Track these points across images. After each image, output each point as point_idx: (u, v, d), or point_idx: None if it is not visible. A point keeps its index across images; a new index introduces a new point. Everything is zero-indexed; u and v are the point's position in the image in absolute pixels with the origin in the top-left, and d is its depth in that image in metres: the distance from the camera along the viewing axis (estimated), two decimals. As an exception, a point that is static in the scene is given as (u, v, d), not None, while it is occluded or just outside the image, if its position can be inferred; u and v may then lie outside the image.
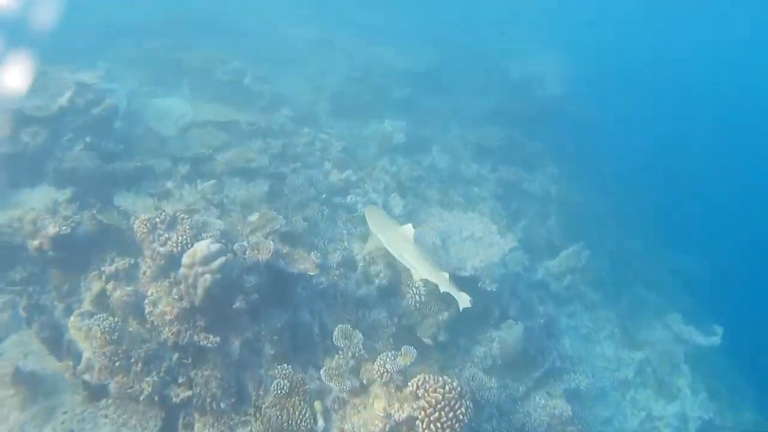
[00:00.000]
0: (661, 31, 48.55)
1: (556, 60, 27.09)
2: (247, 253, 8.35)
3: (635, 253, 20.38)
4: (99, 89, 12.66)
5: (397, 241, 9.64)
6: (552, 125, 23.15)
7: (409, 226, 9.69)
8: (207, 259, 7.28)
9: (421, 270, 9.30)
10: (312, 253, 10.52)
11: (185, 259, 7.38)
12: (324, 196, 13.61)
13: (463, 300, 9.15)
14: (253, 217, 11.27)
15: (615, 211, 22.34)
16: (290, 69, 22.36)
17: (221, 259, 7.39)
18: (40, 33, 20.00)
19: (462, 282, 11.04)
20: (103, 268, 8.63)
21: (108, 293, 8.41)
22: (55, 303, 9.07)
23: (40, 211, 9.34)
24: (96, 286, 8.67)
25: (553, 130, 22.96)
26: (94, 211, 8.95)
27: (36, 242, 8.66)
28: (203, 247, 7.28)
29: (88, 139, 11.96)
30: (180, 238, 8.12)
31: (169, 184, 12.37)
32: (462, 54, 27.25)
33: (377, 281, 10.96)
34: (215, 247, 7.37)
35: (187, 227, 8.17)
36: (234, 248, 8.44)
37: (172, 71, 18.42)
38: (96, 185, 11.43)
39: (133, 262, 8.78)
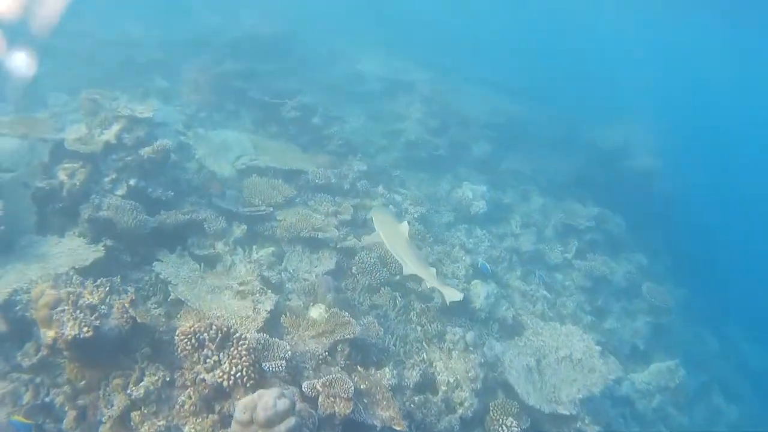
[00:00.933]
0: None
1: (647, 127, 24.59)
2: (320, 401, 6.12)
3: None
4: (151, 122, 10.67)
5: (393, 237, 9.72)
6: (641, 203, 20.71)
7: (405, 223, 9.82)
8: (271, 421, 5.07)
9: (410, 265, 9.43)
10: (388, 372, 8.35)
11: (241, 414, 5.24)
12: (397, 278, 11.37)
13: (450, 295, 9.49)
14: (318, 312, 9.14)
15: (714, 314, 19.72)
16: (361, 107, 20.52)
17: (289, 422, 5.20)
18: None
19: (557, 421, 9.54)
20: (129, 390, 6.48)
21: (133, 425, 6.24)
22: (65, 407, 6.97)
23: (57, 286, 7.22)
24: (118, 403, 6.55)
25: (642, 208, 20.54)
26: (127, 304, 6.81)
27: (51, 333, 6.59)
28: (267, 403, 5.13)
29: (132, 182, 10.04)
30: (234, 368, 5.94)
31: (220, 246, 10.32)
32: (545, 108, 25.06)
33: (460, 411, 8.85)
34: (283, 404, 5.19)
35: (244, 351, 5.98)
36: (303, 388, 6.25)
37: (235, 99, 16.55)
38: (135, 241, 9.43)
39: (168, 378, 6.61)
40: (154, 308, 8.69)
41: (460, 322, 11.34)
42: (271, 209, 11.47)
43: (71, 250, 9.06)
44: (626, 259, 17.94)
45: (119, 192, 9.92)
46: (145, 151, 10.06)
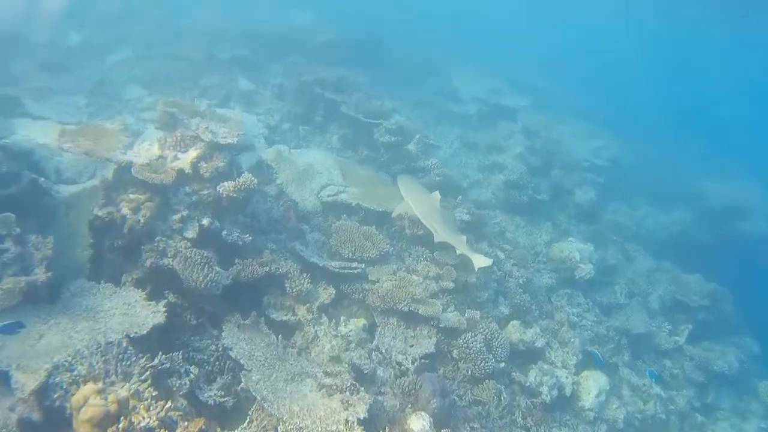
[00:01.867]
0: None
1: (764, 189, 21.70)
2: None
3: None
4: (234, 148, 8.78)
5: (424, 205, 9.91)
6: (755, 275, 17.95)
7: (436, 193, 10.04)
8: None
9: (441, 232, 9.55)
10: None
11: None
12: (502, 365, 9.30)
13: (479, 261, 9.61)
14: (420, 425, 7.10)
15: None
16: (456, 131, 18.45)
17: None
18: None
19: None
20: None
21: None
22: None
23: (97, 377, 5.38)
24: None
25: (755, 281, 17.80)
26: (179, 416, 4.90)
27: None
28: None
29: (205, 222, 8.18)
30: None
31: (302, 312, 8.42)
32: (647, 147, 22.47)
33: None
34: None
35: None
36: None
37: (324, 111, 14.61)
38: (203, 299, 7.57)
39: None
40: (221, 397, 6.79)
41: (565, 420, 10.04)
42: (363, 266, 9.42)
43: (127, 306, 7.25)
44: (735, 344, 15.38)
45: (189, 233, 8.07)
46: (225, 189, 8.17)
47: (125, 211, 7.83)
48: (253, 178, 8.38)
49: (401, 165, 13.68)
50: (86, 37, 15.76)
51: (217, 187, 8.21)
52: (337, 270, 9.25)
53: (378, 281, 9.49)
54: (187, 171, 8.25)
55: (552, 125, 19.60)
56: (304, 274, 8.72)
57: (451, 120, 19.15)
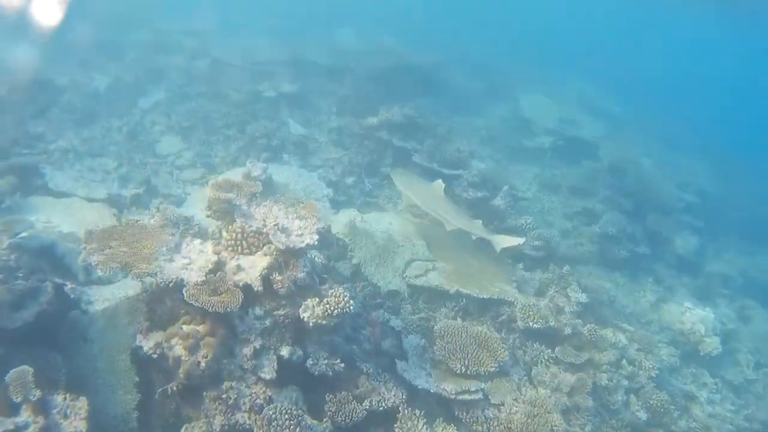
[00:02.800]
0: None
1: None
2: None
3: None
4: (314, 246, 6.58)
5: (428, 196, 9.64)
6: None
7: (439, 181, 9.71)
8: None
9: (453, 221, 9.32)
10: None
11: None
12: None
13: (498, 242, 9.40)
14: None
15: None
16: (532, 169, 16.24)
17: None
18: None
19: None
20: None
21: None
22: None
23: None
24: None
25: None
26: None
27: None
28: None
29: (285, 353, 6.07)
30: None
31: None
32: (739, 179, 19.90)
33: None
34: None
35: None
36: None
37: (392, 160, 12.50)
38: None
39: None
40: None
41: None
42: (483, 387, 7.15)
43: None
44: None
45: (266, 372, 5.92)
46: (312, 316, 5.96)
47: (179, 350, 5.68)
48: (348, 299, 6.14)
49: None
50: (115, 77, 13.72)
51: (301, 314, 5.98)
52: (453, 396, 6.99)
53: (502, 406, 7.21)
54: (256, 288, 6.04)
55: (636, 159, 17.20)
56: (416, 412, 6.46)
57: (525, 156, 16.90)
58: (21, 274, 6.83)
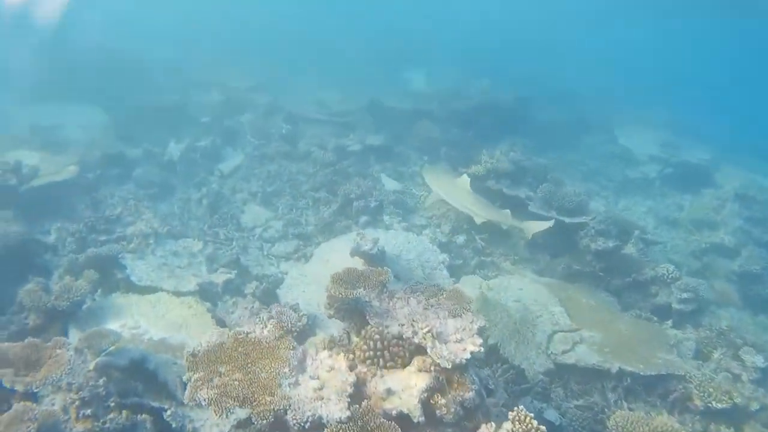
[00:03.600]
0: None
1: None
2: None
3: None
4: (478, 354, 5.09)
5: (455, 192, 9.75)
6: None
7: (464, 176, 9.74)
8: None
9: (481, 213, 9.41)
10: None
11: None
12: None
13: (535, 227, 9.37)
14: None
15: None
16: (645, 203, 14.60)
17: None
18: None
19: None
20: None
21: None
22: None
23: None
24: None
25: None
26: None
27: None
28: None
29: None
30: None
31: None
32: None
33: None
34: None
35: None
36: None
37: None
38: None
39: None
40: None
41: None
42: None
43: None
44: None
45: None
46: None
47: None
48: (536, 426, 4.53)
49: (624, 279, 9.75)
50: (188, 143, 12.71)
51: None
52: None
53: None
54: (416, 418, 4.52)
55: (764, 184, 15.19)
56: None
57: (632, 188, 15.15)
58: (113, 403, 5.55)
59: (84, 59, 19.28)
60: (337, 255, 8.89)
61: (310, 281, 8.53)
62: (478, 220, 9.44)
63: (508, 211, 9.43)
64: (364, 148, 12.56)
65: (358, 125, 14.18)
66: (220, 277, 8.53)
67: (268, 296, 8.42)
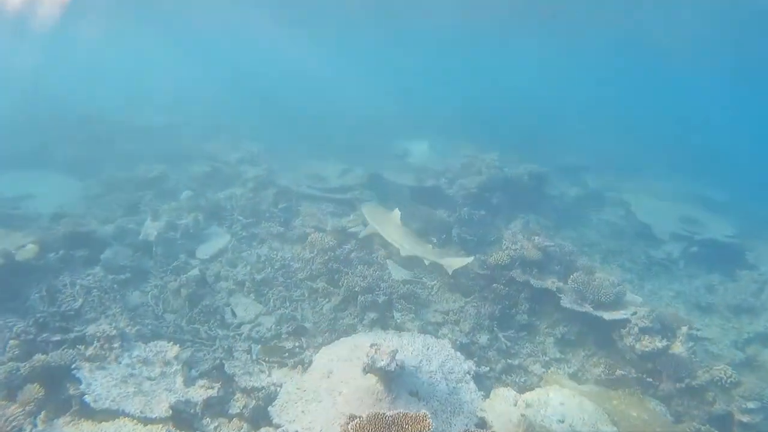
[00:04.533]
0: None
1: None
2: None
3: None
4: None
5: (386, 225, 10.49)
6: None
7: (396, 211, 10.48)
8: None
9: (407, 246, 9.95)
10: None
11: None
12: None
13: (453, 264, 9.70)
14: None
15: None
16: (671, 287, 13.52)
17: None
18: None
19: None
20: None
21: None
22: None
23: None
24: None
25: None
26: None
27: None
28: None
29: None
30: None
31: None
32: None
33: None
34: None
35: None
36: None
37: (528, 305, 9.46)
38: None
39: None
40: None
41: None
42: None
43: None
44: None
45: None
46: None
47: None
48: None
49: (675, 384, 8.31)
50: (168, 221, 11.21)
51: None
52: None
53: None
54: None
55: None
56: None
57: (657, 270, 13.85)
58: None
59: (61, 124, 18.17)
60: (342, 366, 7.32)
61: (310, 398, 6.91)
62: (403, 253, 10.07)
63: (429, 246, 10.04)
64: (366, 236, 11.13)
65: (358, 203, 12.80)
66: (199, 393, 6.88)
67: (259, 416, 6.80)
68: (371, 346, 6.29)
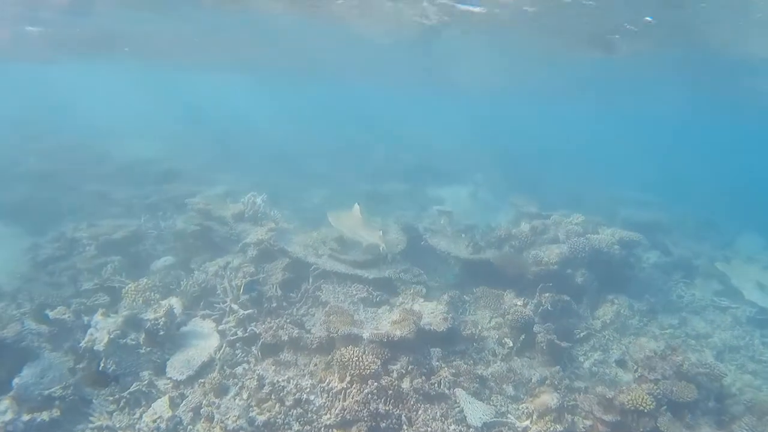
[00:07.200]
0: None
1: None
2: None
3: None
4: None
5: (346, 223, 9.75)
6: None
7: (356, 206, 9.62)
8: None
9: (366, 236, 9.43)
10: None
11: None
12: None
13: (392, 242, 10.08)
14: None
15: None
16: None
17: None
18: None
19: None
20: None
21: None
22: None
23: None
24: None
25: None
26: None
27: None
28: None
29: None
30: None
31: None
32: None
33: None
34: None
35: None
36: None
37: None
38: None
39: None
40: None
41: None
42: None
43: None
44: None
45: None
46: None
47: None
48: None
49: None
50: (127, 317, 7.65)
51: None
52: None
53: None
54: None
55: None
56: None
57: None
58: None
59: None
60: None
61: None
62: (365, 244, 9.67)
63: (380, 231, 9.32)
64: (419, 331, 7.52)
65: (402, 284, 9.26)
66: None
67: None
68: None
